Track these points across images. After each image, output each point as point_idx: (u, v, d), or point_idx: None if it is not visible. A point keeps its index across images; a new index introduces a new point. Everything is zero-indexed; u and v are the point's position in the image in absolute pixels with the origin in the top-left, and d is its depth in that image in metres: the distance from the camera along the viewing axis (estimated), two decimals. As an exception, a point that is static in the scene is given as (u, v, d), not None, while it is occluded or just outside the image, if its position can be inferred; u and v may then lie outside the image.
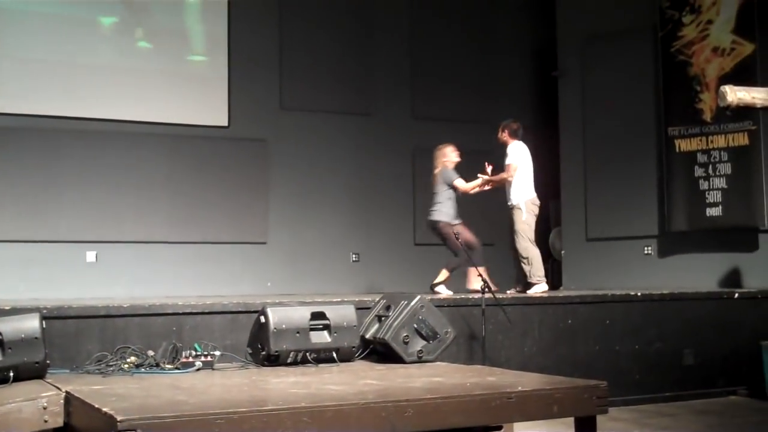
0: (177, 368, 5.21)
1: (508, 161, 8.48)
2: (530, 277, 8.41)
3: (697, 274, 9.85)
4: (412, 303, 5.76)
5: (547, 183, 9.86)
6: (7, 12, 9.87)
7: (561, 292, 9.22)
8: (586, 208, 11.26)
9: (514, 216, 8.46)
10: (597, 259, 11.01)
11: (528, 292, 8.29)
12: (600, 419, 4.37)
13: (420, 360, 5.63)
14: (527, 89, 12.62)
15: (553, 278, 11.82)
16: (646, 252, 10.63)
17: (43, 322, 4.93)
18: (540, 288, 8.36)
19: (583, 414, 4.33)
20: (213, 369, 5.31)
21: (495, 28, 12.39)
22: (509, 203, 8.52)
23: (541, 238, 11.96)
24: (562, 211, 11.59)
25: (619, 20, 11.07)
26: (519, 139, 8.63)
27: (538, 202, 8.54)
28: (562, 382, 4.58)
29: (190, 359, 5.28)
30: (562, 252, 11.54)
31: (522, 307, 7.39)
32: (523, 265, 8.44)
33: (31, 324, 4.87)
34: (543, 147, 12.13)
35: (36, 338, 4.83)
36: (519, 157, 8.48)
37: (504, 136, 8.66)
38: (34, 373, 4.82)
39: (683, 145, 10.20)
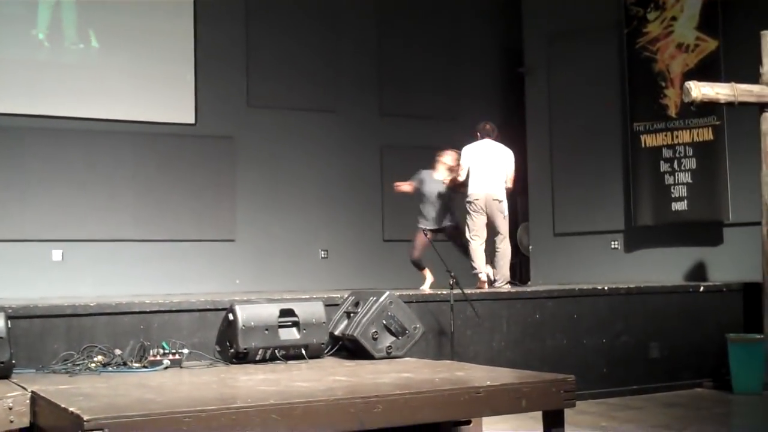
0: (145, 367, 5.18)
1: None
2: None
3: (663, 267, 9.96)
4: (381, 299, 5.77)
5: (514, 179, 9.88)
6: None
7: (529, 287, 9.27)
8: (553, 203, 11.34)
9: None
10: (564, 254, 11.08)
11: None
12: (568, 412, 4.40)
13: (389, 356, 5.64)
14: (494, 86, 12.66)
15: (521, 273, 11.89)
16: (612, 246, 10.72)
17: (8, 322, 4.89)
18: (479, 276, 8.44)
19: (551, 408, 4.36)
20: (181, 367, 5.29)
21: (462, 26, 12.42)
22: None
23: (509, 233, 12.05)
24: (529, 206, 11.66)
25: (584, 17, 11.14)
26: (482, 138, 8.73)
27: (476, 197, 8.50)
28: (530, 376, 4.62)
29: (158, 357, 5.26)
30: (530, 247, 11.60)
31: (490, 302, 7.41)
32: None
33: (-4, 323, 4.83)
34: (510, 143, 12.18)
35: (1, 338, 4.79)
36: (466, 158, 8.61)
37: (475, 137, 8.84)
38: None
39: (648, 140, 10.30)
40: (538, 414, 4.43)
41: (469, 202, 8.52)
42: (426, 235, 7.91)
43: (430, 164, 8.94)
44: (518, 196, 11.91)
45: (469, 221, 8.53)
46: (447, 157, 8.88)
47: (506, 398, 4.26)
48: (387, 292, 5.86)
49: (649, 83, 10.34)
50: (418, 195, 8.88)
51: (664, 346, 8.17)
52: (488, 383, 4.30)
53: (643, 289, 8.36)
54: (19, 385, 4.46)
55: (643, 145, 10.34)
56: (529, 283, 11.01)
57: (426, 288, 8.49)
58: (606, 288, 8.16)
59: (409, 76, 11.96)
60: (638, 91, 10.47)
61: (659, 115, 10.22)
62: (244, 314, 5.51)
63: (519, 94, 11.98)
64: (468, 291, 7.14)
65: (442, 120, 11.93)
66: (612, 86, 10.79)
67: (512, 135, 12.04)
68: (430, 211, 8.79)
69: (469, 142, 8.75)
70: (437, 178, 8.82)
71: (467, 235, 8.53)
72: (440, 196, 8.79)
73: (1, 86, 9.79)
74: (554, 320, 7.70)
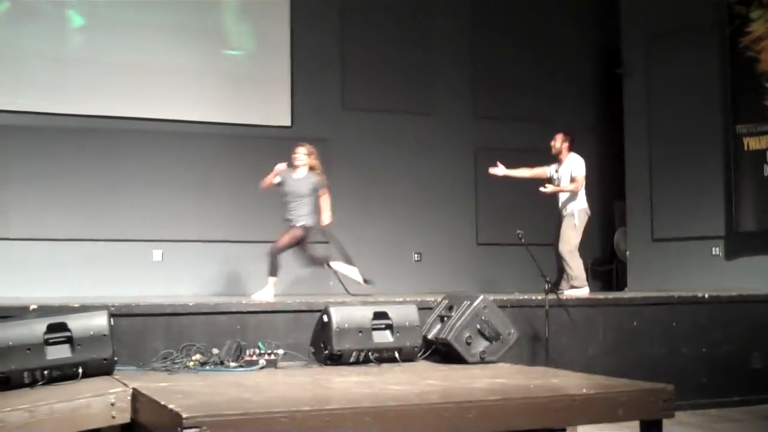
0: (241, 366, 5.25)
1: (576, 173, 8.44)
2: (571, 280, 8.37)
3: (765, 275, 9.64)
4: (475, 303, 5.73)
5: (611, 183, 9.74)
6: (75, 14, 10.06)
7: (626, 294, 9.09)
8: (651, 208, 11.11)
9: (565, 222, 8.46)
10: (663, 260, 10.84)
11: (566, 292, 8.17)
12: (666, 423, 4.30)
13: (483, 361, 5.60)
14: (591, 87, 12.49)
15: (618, 279, 11.70)
16: (713, 253, 10.45)
17: (111, 320, 5.01)
18: (581, 292, 8.29)
19: (649, 417, 4.27)
20: (276, 367, 5.34)
21: (557, 25, 12.28)
22: (563, 210, 8.51)
23: (606, 238, 11.87)
24: (627, 211, 11.45)
25: (684, 16, 10.90)
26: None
27: (589, 211, 8.54)
28: (627, 384, 4.52)
29: (254, 357, 5.32)
30: (627, 253, 11.39)
31: (586, 309, 7.30)
32: (567, 269, 8.40)
33: (100, 321, 4.96)
34: (607, 146, 12.02)
35: (104, 335, 4.91)
36: (584, 169, 8.46)
37: (564, 146, 8.59)
38: (102, 369, 4.90)
39: (752, 143, 10.01)
40: (635, 424, 4.34)
41: (588, 215, 8.46)
42: (520, 238, 7.75)
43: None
44: (615, 200, 11.72)
45: (575, 233, 8.39)
46: (303, 156, 8.35)
47: (603, 407, 4.18)
48: (481, 296, 5.81)
49: (752, 84, 10.05)
50: (282, 193, 8.37)
51: (766, 356, 7.91)
52: (584, 391, 4.23)
53: (745, 297, 8.11)
54: (120, 382, 4.57)
55: (746, 147, 10.05)
56: (626, 289, 10.81)
57: (259, 298, 7.55)
58: (706, 296, 7.94)
59: (503, 77, 11.88)
60: (741, 92, 10.18)
61: (763, 118, 9.91)
62: (338, 316, 5.54)
63: (617, 96, 11.78)
64: (564, 296, 7.05)
65: (537, 122, 11.81)
66: (713, 87, 10.53)
67: (609, 137, 11.88)
68: (294, 209, 8.29)
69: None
70: (297, 177, 8.32)
71: (574, 247, 8.38)
72: (302, 196, 8.29)
73: (104, 90, 10.09)
74: (652, 328, 7.54)
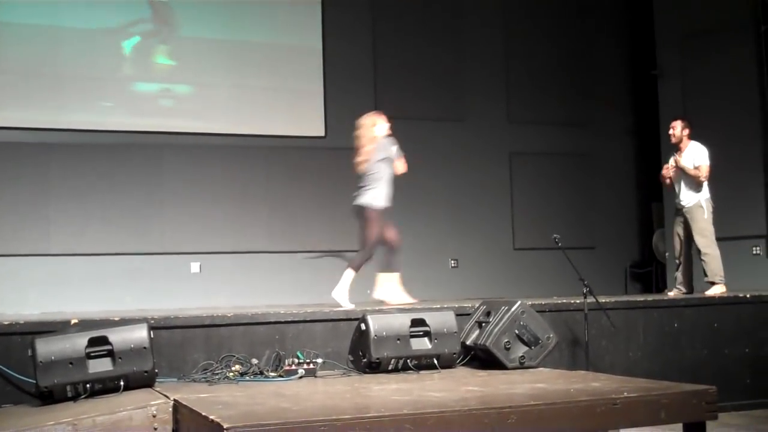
0: (280, 376, 5.28)
1: (700, 162, 8.30)
2: (710, 276, 8.28)
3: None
4: (513, 308, 5.71)
5: (648, 184, 9.65)
6: (103, 33, 10.19)
7: (666, 295, 9.00)
8: (689, 208, 10.98)
9: (694, 214, 8.31)
10: (703, 261, 10.71)
11: (707, 292, 8.14)
12: (709, 425, 4.26)
13: (522, 366, 5.58)
14: (625, 89, 12.40)
15: (657, 281, 11.58)
16: (754, 252, 10.32)
17: (151, 332, 5.06)
18: (719, 289, 8.20)
19: (692, 420, 4.23)
20: (315, 376, 5.36)
21: (590, 28, 12.22)
22: (687, 203, 8.37)
23: (645, 240, 11.75)
24: (665, 212, 11.32)
25: (718, 16, 10.79)
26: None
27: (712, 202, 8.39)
28: (669, 387, 4.48)
29: (293, 367, 5.35)
30: (666, 254, 11.27)
31: (626, 312, 7.23)
32: (703, 264, 8.30)
33: (140, 334, 5.01)
34: (643, 148, 11.93)
35: (144, 348, 4.96)
36: (708, 158, 8.32)
37: (684, 133, 8.44)
38: (143, 381, 4.95)
39: (791, 141, 9.89)
40: (678, 426, 4.30)
41: (713, 207, 8.33)
42: (557, 242, 7.70)
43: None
44: (653, 202, 11.62)
45: (708, 225, 8.30)
46: None
47: (645, 410, 4.15)
48: (519, 302, 5.80)
49: (789, 82, 9.93)
50: None
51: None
52: (625, 394, 4.20)
53: (788, 296, 7.99)
54: (162, 394, 4.61)
55: (785, 146, 9.94)
56: (666, 291, 10.70)
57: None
58: (748, 296, 7.83)
59: (537, 81, 11.84)
60: (778, 90, 10.07)
61: (802, 115, 9.80)
62: (376, 324, 5.56)
63: (652, 97, 11.69)
64: (602, 300, 7.00)
65: (571, 125, 11.77)
66: (750, 87, 10.41)
67: (645, 139, 11.78)
68: None
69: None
70: None
71: (711, 240, 8.25)
72: None
73: (139, 105, 10.19)
74: (693, 329, 7.45)
